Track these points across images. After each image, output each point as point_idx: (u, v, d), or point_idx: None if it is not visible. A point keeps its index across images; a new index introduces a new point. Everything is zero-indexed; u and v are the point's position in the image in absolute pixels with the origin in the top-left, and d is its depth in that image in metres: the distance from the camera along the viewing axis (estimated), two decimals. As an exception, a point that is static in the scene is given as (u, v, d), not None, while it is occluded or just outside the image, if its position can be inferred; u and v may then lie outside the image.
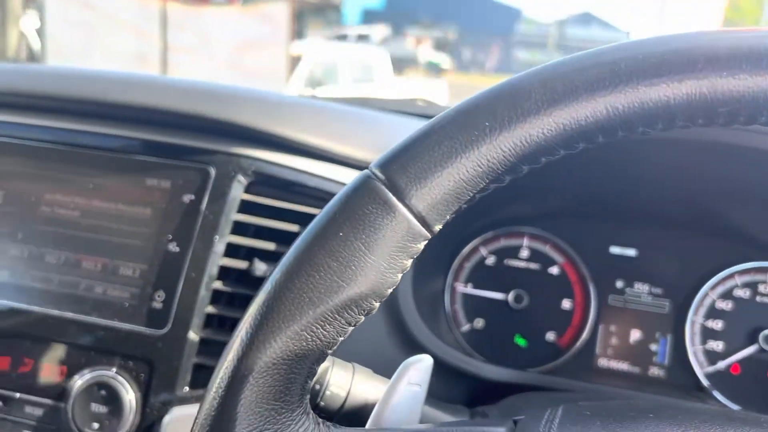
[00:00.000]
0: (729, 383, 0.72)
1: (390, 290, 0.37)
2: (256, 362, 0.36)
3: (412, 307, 0.67)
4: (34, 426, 0.62)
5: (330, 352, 0.37)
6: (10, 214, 0.67)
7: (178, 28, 7.73)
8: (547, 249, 0.78)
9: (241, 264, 0.65)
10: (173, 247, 0.63)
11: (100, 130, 0.68)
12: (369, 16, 31.61)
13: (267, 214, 0.67)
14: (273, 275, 0.37)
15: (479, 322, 0.78)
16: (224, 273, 0.64)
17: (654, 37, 0.35)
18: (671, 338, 0.74)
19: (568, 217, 0.78)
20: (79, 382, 0.60)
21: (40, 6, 7.40)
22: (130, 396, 0.60)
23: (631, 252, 0.77)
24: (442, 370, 0.66)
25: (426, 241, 0.36)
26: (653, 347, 0.75)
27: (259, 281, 0.65)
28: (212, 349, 0.63)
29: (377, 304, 0.37)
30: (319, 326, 0.36)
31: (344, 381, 0.49)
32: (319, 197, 0.68)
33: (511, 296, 0.77)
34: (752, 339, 0.71)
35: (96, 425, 0.60)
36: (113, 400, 0.60)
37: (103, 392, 0.60)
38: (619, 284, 0.76)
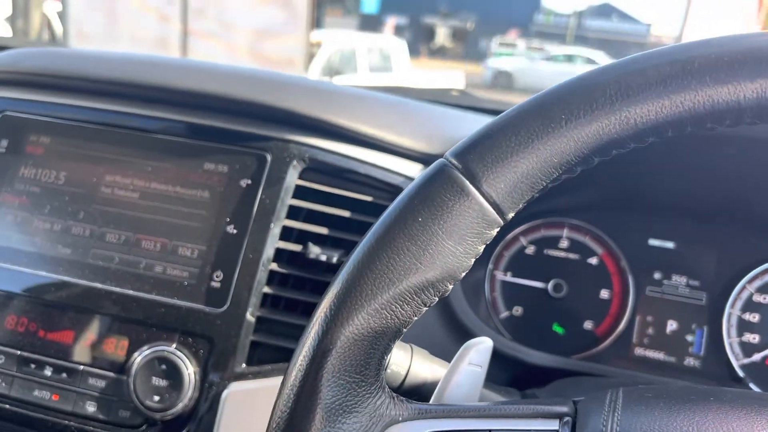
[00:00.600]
0: (764, 375, 0.74)
1: (464, 274, 0.39)
2: (339, 337, 0.38)
3: (460, 294, 0.69)
4: (97, 397, 0.65)
5: (405, 330, 0.39)
6: (73, 193, 0.70)
7: (199, 13, 7.75)
8: (586, 240, 0.80)
9: (295, 247, 0.67)
10: (231, 229, 0.66)
11: (161, 115, 0.70)
12: (387, 5, 31.47)
13: (320, 199, 0.69)
14: (354, 256, 0.39)
15: (518, 310, 0.80)
16: (279, 255, 0.66)
17: (727, 36, 0.37)
18: (707, 330, 0.76)
19: (607, 209, 0.80)
20: (140, 356, 0.63)
21: (62, -11, 7.44)
22: (189, 371, 0.63)
23: (669, 245, 0.78)
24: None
25: (499, 228, 0.39)
26: (689, 338, 0.77)
27: (313, 263, 0.67)
28: (268, 327, 0.65)
29: (451, 287, 0.39)
30: (398, 305, 0.38)
31: (404, 360, 0.51)
32: (369, 184, 0.70)
33: (550, 285, 0.79)
34: None
35: (156, 398, 0.62)
36: (173, 374, 0.63)
37: (163, 366, 0.63)
38: (657, 276, 0.78)
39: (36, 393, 0.66)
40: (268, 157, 0.68)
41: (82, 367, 0.65)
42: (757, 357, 0.74)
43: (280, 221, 0.67)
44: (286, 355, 0.65)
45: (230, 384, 0.63)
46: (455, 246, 0.38)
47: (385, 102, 0.77)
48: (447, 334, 0.70)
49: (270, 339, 0.65)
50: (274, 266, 0.66)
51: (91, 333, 0.66)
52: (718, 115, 0.36)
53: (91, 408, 0.64)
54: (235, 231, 0.66)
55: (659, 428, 0.36)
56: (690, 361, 0.76)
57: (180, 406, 0.62)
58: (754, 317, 0.75)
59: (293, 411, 0.38)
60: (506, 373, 0.70)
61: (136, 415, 0.63)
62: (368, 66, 8.09)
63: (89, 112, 0.72)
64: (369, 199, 0.69)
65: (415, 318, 0.39)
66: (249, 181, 0.67)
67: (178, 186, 0.68)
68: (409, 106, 0.80)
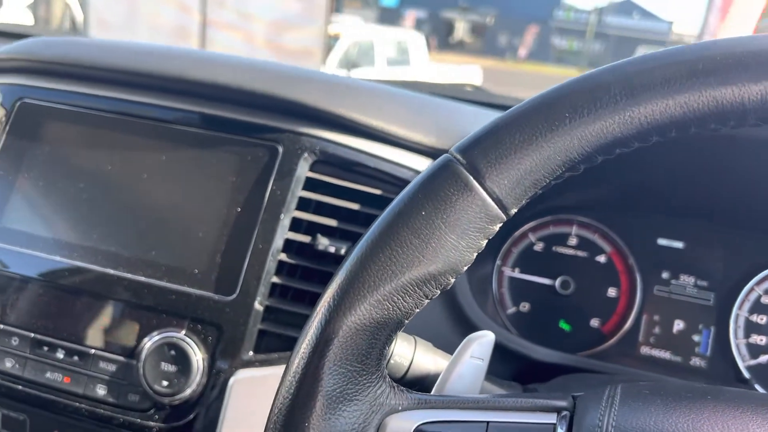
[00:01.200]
0: (769, 376, 0.74)
1: (466, 268, 0.40)
2: (342, 326, 0.39)
3: (466, 289, 0.70)
4: (107, 380, 0.66)
5: (407, 321, 0.40)
6: (88, 180, 0.71)
7: (219, 4, 7.77)
8: (595, 238, 0.80)
9: (304, 238, 0.68)
10: (242, 219, 0.67)
11: (176, 105, 0.72)
12: (406, -3, 31.37)
13: (329, 191, 0.70)
14: (358, 247, 0.40)
15: (525, 306, 0.80)
16: (288, 246, 0.67)
17: (733, 38, 0.37)
18: (714, 330, 0.76)
19: (617, 207, 0.80)
20: (150, 342, 0.65)
21: (83, -23, 7.49)
22: (198, 357, 0.64)
23: (678, 244, 0.78)
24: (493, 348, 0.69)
25: (501, 223, 0.39)
26: (696, 338, 0.77)
27: (321, 255, 0.68)
28: (275, 316, 0.66)
29: (453, 280, 0.40)
30: (400, 297, 0.39)
31: (407, 351, 0.52)
32: (379, 177, 0.71)
33: (558, 282, 0.79)
34: None
35: (165, 383, 0.64)
36: (182, 360, 0.64)
37: (172, 352, 0.64)
38: (665, 275, 0.78)
39: (48, 375, 0.67)
40: (280, 149, 0.69)
41: (93, 351, 0.67)
42: (763, 359, 0.74)
43: (290, 212, 0.68)
44: (292, 344, 0.65)
45: (238, 371, 0.64)
46: (458, 240, 0.38)
47: (397, 96, 0.77)
48: (453, 327, 0.70)
49: (277, 328, 0.66)
50: (283, 256, 0.67)
51: (103, 318, 0.67)
52: (722, 116, 0.36)
53: (101, 391, 0.66)
54: (245, 221, 0.67)
55: (655, 424, 0.36)
56: (696, 361, 0.76)
57: (188, 392, 0.63)
58: (761, 319, 0.75)
59: (295, 397, 0.39)
60: (511, 368, 0.70)
61: (145, 399, 0.65)
62: (386, 59, 8.08)
63: (105, 101, 0.73)
64: (378, 192, 0.70)
65: (417, 310, 0.40)
66: (260, 172, 0.68)
67: (191, 175, 0.69)
68: (421, 100, 0.81)
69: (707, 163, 0.72)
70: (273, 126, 0.70)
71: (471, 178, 0.38)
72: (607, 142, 0.38)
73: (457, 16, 29.84)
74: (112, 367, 0.66)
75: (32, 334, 0.68)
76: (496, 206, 0.38)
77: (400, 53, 8.48)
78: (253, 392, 0.64)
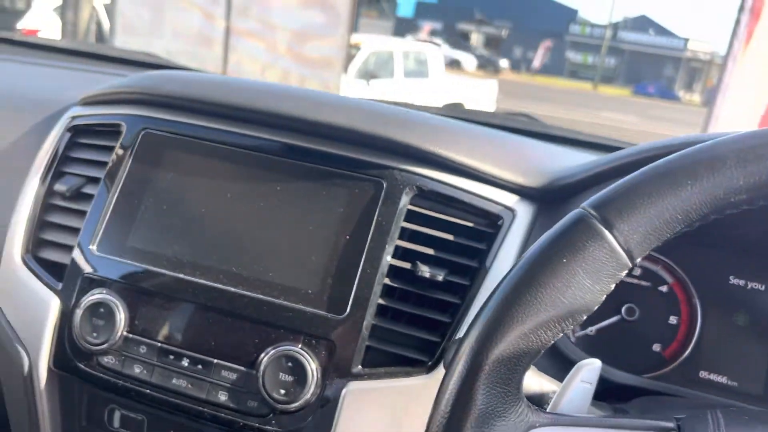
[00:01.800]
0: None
1: (596, 307, 0.47)
2: (492, 354, 0.46)
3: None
4: (228, 387, 0.74)
5: (543, 352, 0.48)
6: (210, 206, 0.79)
7: (243, 12, 7.89)
8: (658, 269, 0.87)
9: (405, 264, 0.75)
10: (351, 246, 0.75)
11: (291, 142, 0.80)
12: (422, 9, 31.56)
13: (427, 223, 0.77)
14: (505, 286, 0.48)
15: (592, 330, 0.88)
16: (392, 271, 0.75)
17: None
18: None
19: (678, 241, 0.87)
20: (270, 353, 0.72)
21: (111, -17, 7.62)
22: (312, 368, 0.71)
23: (739, 282, 0.85)
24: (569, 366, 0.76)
25: (628, 270, 0.47)
26: (752, 365, 0.83)
27: (420, 280, 0.75)
28: (382, 334, 0.74)
29: (584, 318, 0.47)
30: (542, 331, 0.46)
31: None
32: (471, 212, 0.78)
33: (624, 309, 0.86)
34: None
35: (282, 391, 0.71)
36: (298, 371, 0.71)
37: (289, 364, 0.71)
38: (723, 307, 0.85)
39: (174, 381, 0.75)
40: (384, 184, 0.76)
41: (216, 360, 0.74)
42: None
43: (394, 241, 0.75)
44: (396, 360, 0.73)
45: (348, 383, 0.72)
46: (593, 284, 0.46)
47: (483, 134, 0.85)
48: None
49: (382, 345, 0.73)
50: (387, 281, 0.75)
51: (226, 331, 0.75)
52: None
53: (222, 397, 0.73)
54: (354, 247, 0.75)
55: None
56: (753, 387, 0.83)
57: (303, 400, 0.71)
58: None
59: (452, 414, 0.46)
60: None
61: (263, 405, 0.72)
62: (404, 70, 8.17)
63: (224, 135, 0.82)
64: (470, 224, 0.78)
65: (552, 342, 0.47)
66: (367, 204, 0.76)
67: (304, 205, 0.77)
68: (504, 138, 0.89)
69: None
70: (378, 163, 0.77)
71: (605, 231, 0.46)
72: (721, 206, 0.45)
73: (472, 29, 29.98)
74: (233, 376, 0.74)
75: (159, 344, 0.76)
76: (625, 256, 0.46)
77: (418, 65, 8.58)
78: (363, 402, 0.71)
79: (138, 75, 0.91)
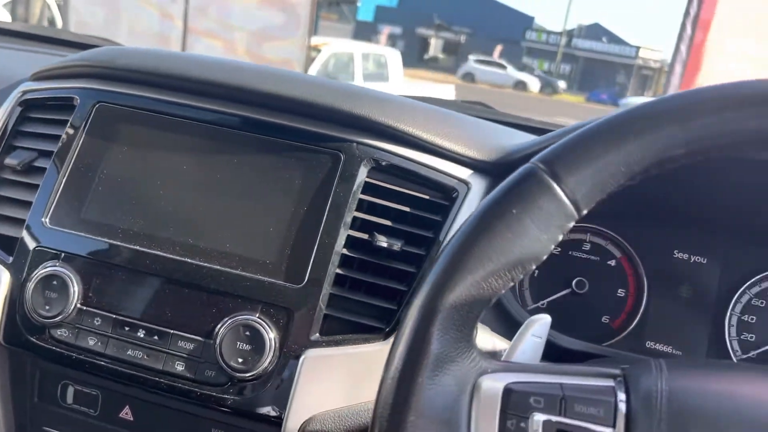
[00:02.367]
0: (759, 368, 0.84)
1: (545, 257, 0.49)
2: (446, 300, 0.48)
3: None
4: (185, 358, 0.73)
5: (494, 300, 0.49)
6: (165, 179, 0.79)
7: (201, 12, 7.82)
8: (607, 244, 0.90)
9: (362, 235, 0.76)
10: (309, 217, 0.75)
11: (248, 114, 0.80)
12: (382, 13, 31.70)
13: (384, 195, 0.79)
14: (456, 237, 0.49)
15: (543, 304, 0.90)
16: (349, 241, 0.76)
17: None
18: (712, 328, 0.87)
19: (629, 217, 0.90)
20: (227, 323, 0.72)
21: (64, -22, 7.46)
22: (270, 336, 0.72)
23: (683, 255, 0.89)
24: None
25: (575, 221, 0.49)
26: (695, 335, 0.87)
27: (377, 250, 0.77)
28: (339, 303, 0.75)
29: (534, 267, 0.49)
30: (493, 279, 0.48)
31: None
32: (426, 185, 0.80)
33: (574, 282, 0.89)
34: None
35: (240, 360, 0.71)
36: (256, 339, 0.72)
37: (247, 333, 0.72)
38: (670, 279, 0.89)
39: (129, 352, 0.74)
40: (342, 156, 0.77)
41: (172, 331, 0.74)
42: (753, 353, 0.85)
43: (351, 212, 0.76)
44: (353, 328, 0.74)
45: (306, 350, 0.72)
46: (541, 234, 0.48)
47: (440, 112, 0.87)
48: (494, 320, 0.79)
49: (340, 313, 0.74)
50: (344, 251, 0.75)
51: (182, 302, 0.75)
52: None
53: (179, 367, 0.73)
54: (312, 219, 0.75)
55: (699, 385, 0.46)
56: (696, 355, 0.87)
57: (261, 368, 0.71)
58: (751, 319, 0.86)
59: (407, 359, 0.48)
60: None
61: (221, 374, 0.72)
62: (363, 73, 8.20)
63: (179, 108, 0.81)
64: (426, 197, 0.79)
65: (503, 291, 0.49)
66: (324, 176, 0.77)
67: (262, 178, 0.78)
68: (459, 117, 0.91)
69: (715, 182, 0.83)
70: (336, 136, 0.78)
71: (553, 183, 0.48)
72: (662, 159, 0.47)
73: (432, 33, 30.27)
74: (189, 346, 0.73)
75: (114, 316, 0.75)
76: (572, 206, 0.48)
77: (378, 68, 8.62)
78: (321, 369, 0.72)
79: (93, 50, 0.90)
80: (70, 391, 0.81)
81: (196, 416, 0.79)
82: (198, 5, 7.82)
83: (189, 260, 0.75)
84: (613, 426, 0.45)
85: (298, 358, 0.72)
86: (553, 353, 0.81)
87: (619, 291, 0.90)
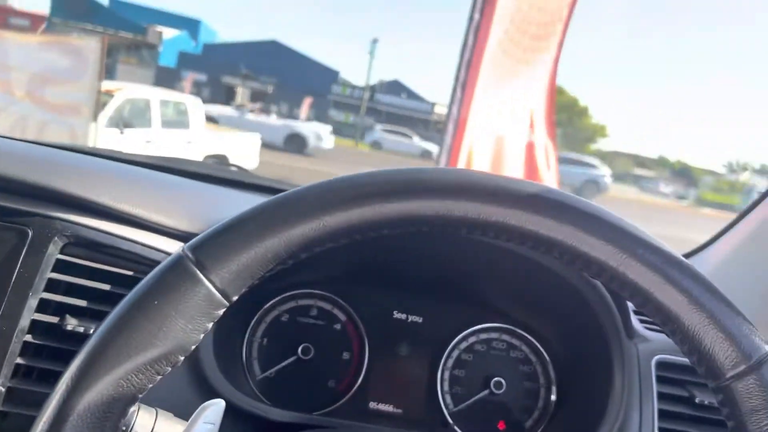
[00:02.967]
0: (468, 420, 0.91)
1: (194, 347, 0.48)
2: (79, 402, 0.44)
3: (212, 360, 0.77)
4: None
5: (141, 396, 0.47)
6: None
7: (-28, 50, 7.03)
8: (333, 309, 0.93)
9: (52, 319, 0.70)
10: None
11: None
12: (185, 60, 30.98)
13: (80, 273, 0.73)
14: (98, 332, 0.47)
15: (272, 372, 0.90)
16: (35, 327, 0.69)
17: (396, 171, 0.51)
18: (427, 384, 0.92)
19: (352, 282, 0.94)
20: None
21: None
22: None
23: (401, 316, 0.94)
24: (237, 414, 0.76)
25: (225, 309, 0.48)
26: (413, 392, 0.92)
27: (69, 334, 0.71)
28: (18, 397, 0.67)
29: (182, 358, 0.48)
30: (133, 375, 0.46)
31: (148, 422, 0.58)
32: (130, 259, 0.76)
33: (300, 349, 0.89)
34: (485, 385, 0.91)
35: None
36: None
37: None
38: (389, 340, 0.93)
39: None
40: (30, 232, 0.71)
41: None
42: (462, 406, 0.91)
43: (38, 294, 0.70)
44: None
45: None
46: (186, 324, 0.47)
47: (151, 180, 0.84)
48: (199, 397, 0.76)
49: (20, 409, 0.67)
50: (28, 337, 0.69)
51: None
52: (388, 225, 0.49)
53: None
54: None
55: None
56: (414, 412, 0.91)
57: None
58: (461, 372, 0.92)
59: None
60: (254, 429, 0.78)
61: None
62: (162, 120, 7.90)
63: None
64: (130, 273, 0.75)
65: (150, 386, 0.47)
66: (7, 255, 0.70)
67: None
68: (177, 183, 0.88)
69: (418, 249, 0.89)
70: (23, 210, 0.72)
71: (198, 272, 0.47)
72: (306, 243, 0.49)
73: (238, 83, 30.15)
74: None
75: None
76: (219, 295, 0.47)
77: (178, 115, 8.35)
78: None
79: None
80: None
81: None
82: (-31, 44, 7.04)
83: None
84: None
85: None
86: (265, 428, 0.80)
87: (344, 354, 0.92)
